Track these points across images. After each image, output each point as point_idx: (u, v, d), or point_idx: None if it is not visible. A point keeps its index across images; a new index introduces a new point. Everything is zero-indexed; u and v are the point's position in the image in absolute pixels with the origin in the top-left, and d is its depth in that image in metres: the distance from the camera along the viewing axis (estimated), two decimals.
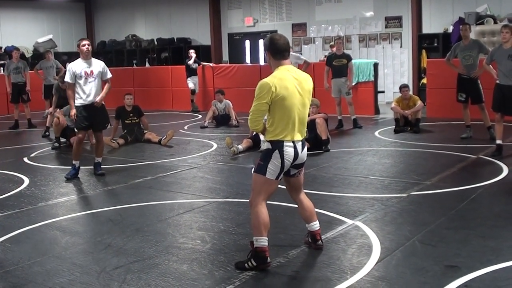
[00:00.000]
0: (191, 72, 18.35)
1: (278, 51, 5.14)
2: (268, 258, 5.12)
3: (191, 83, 18.23)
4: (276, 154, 5.11)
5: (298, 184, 5.52)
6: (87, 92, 8.91)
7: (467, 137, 11.44)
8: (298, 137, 5.17)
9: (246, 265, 5.13)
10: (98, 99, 9.02)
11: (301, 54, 20.04)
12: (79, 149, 9.22)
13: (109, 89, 9.27)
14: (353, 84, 14.52)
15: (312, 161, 9.89)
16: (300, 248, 5.59)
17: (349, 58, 13.71)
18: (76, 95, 8.95)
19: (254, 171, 5.32)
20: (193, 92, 18.36)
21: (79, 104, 8.94)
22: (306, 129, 5.34)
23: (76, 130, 9.17)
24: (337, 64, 13.52)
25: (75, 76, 8.86)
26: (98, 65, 9.10)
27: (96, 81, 8.98)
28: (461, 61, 11.37)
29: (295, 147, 5.15)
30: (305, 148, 5.29)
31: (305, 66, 12.70)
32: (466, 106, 11.47)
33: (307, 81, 5.24)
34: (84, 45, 8.91)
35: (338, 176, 8.77)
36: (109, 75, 9.25)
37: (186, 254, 5.59)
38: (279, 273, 5.02)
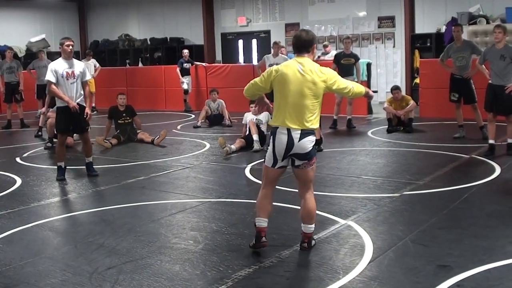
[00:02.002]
0: (184, 72, 18.35)
1: (294, 46, 5.55)
2: (263, 238, 5.45)
3: (184, 83, 18.24)
4: (271, 140, 5.40)
5: (303, 177, 5.52)
6: (68, 94, 8.80)
7: (460, 137, 11.47)
8: (295, 125, 5.29)
9: (250, 244, 5.56)
10: (86, 109, 9.00)
11: (294, 54, 20.12)
12: (62, 150, 9.14)
13: (89, 93, 9.25)
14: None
15: None
16: (293, 248, 5.59)
17: (357, 58, 13.70)
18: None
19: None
20: (186, 92, 18.36)
21: (60, 105, 8.88)
22: (311, 120, 5.41)
23: (56, 132, 9.08)
24: (345, 63, 13.46)
25: (57, 76, 8.77)
26: (79, 66, 9.01)
27: (77, 82, 8.88)
28: (454, 62, 11.40)
29: (289, 135, 5.28)
30: (308, 138, 5.34)
31: None
32: (459, 106, 11.49)
33: (313, 72, 5.37)
34: (68, 45, 8.81)
35: (331, 176, 8.78)
36: (88, 77, 9.19)
37: (178, 255, 5.59)
38: (272, 273, 5.02)
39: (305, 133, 5.33)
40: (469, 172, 8.89)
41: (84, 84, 9.07)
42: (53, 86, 8.79)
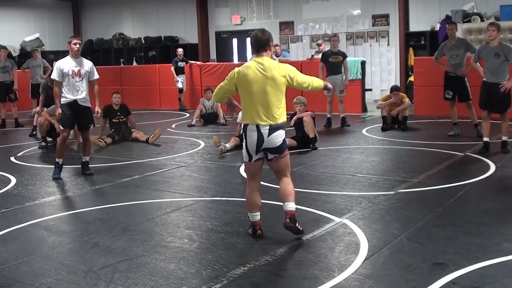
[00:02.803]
0: (178, 70, 18.35)
1: (253, 46, 5.82)
2: (259, 231, 5.86)
3: (179, 82, 18.23)
4: (244, 137, 5.77)
5: (276, 168, 5.89)
6: (73, 91, 8.85)
7: (455, 135, 11.49)
8: (263, 121, 5.64)
9: (248, 231, 5.97)
10: (96, 108, 9.18)
11: (289, 52, 20.15)
12: (63, 147, 9.16)
13: (98, 92, 9.29)
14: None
15: (300, 159, 9.91)
16: (288, 246, 5.59)
17: (344, 56, 13.71)
18: (62, 93, 8.89)
19: None
20: (180, 90, 18.36)
21: (64, 102, 8.88)
22: (278, 115, 5.73)
23: (61, 128, 9.11)
24: (333, 61, 13.47)
25: (62, 74, 8.80)
26: (86, 65, 9.04)
27: (83, 81, 8.93)
28: (448, 60, 11.42)
29: (258, 131, 5.63)
30: (277, 133, 5.68)
31: None
32: (453, 103, 11.51)
33: (272, 69, 5.68)
34: (75, 44, 8.86)
35: (326, 174, 8.78)
36: (96, 76, 9.21)
37: (173, 253, 5.58)
38: (267, 271, 5.02)
39: (273, 128, 5.65)
40: (464, 170, 8.91)
41: (93, 83, 9.14)
42: (56, 88, 8.83)
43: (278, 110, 5.69)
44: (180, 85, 18.26)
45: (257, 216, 5.87)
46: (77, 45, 8.88)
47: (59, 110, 8.88)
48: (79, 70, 8.87)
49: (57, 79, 8.82)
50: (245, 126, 5.72)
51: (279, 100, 5.71)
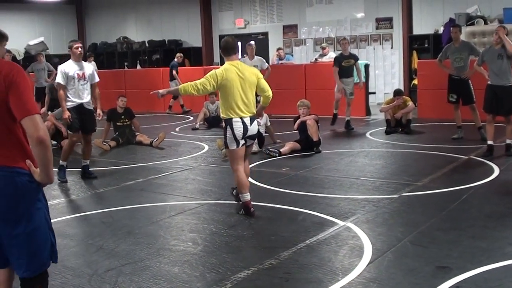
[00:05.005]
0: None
1: (225, 50, 6.90)
2: (252, 209, 6.76)
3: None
4: (228, 129, 6.73)
5: (248, 152, 7.10)
6: (79, 94, 8.89)
7: (458, 138, 11.47)
8: (245, 114, 6.74)
9: (239, 212, 6.86)
10: (98, 111, 9.25)
11: (292, 55, 20.15)
12: (71, 150, 9.21)
13: (99, 94, 9.38)
14: (355, 82, 14.25)
15: (304, 162, 9.92)
16: (292, 249, 5.59)
17: (356, 58, 13.73)
18: (68, 98, 8.91)
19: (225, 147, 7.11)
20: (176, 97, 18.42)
21: (70, 106, 8.91)
22: (254, 107, 6.92)
23: (70, 132, 9.12)
24: (345, 65, 13.46)
25: (67, 78, 8.82)
26: (88, 68, 9.10)
27: (88, 83, 8.98)
28: (452, 63, 11.40)
29: (243, 122, 6.72)
30: (255, 122, 6.86)
31: (267, 73, 12.72)
32: (457, 107, 11.50)
33: (246, 70, 6.88)
34: (77, 48, 8.90)
35: (330, 177, 8.78)
36: (97, 79, 9.26)
37: (177, 256, 5.59)
38: (271, 275, 5.02)
39: (252, 118, 6.81)
40: (468, 173, 8.89)
41: (93, 86, 9.18)
42: (61, 91, 8.85)
43: (253, 104, 6.87)
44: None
45: (248, 195, 6.80)
46: (79, 49, 8.93)
47: (68, 113, 8.86)
48: (83, 73, 8.92)
49: (62, 82, 8.83)
50: (230, 119, 6.71)
51: (253, 96, 6.88)
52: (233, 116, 6.71)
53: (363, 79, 15.22)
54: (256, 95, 7.01)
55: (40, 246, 3.50)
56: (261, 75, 7.06)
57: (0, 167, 3.30)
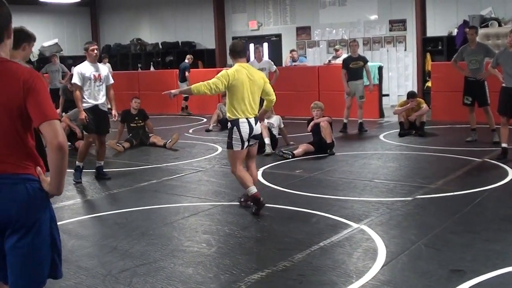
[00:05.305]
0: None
1: (234, 52, 7.07)
2: (261, 198, 6.86)
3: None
4: (234, 130, 6.84)
5: (253, 153, 7.26)
6: (95, 96, 8.95)
7: (472, 141, 11.42)
8: (250, 115, 6.88)
9: (252, 210, 6.90)
10: (113, 112, 9.44)
11: (305, 57, 20.14)
12: (87, 151, 9.27)
13: (114, 96, 9.53)
14: (364, 85, 14.20)
15: (317, 164, 9.92)
16: (305, 251, 5.60)
17: (365, 60, 13.65)
18: (83, 99, 8.96)
19: (226, 148, 7.18)
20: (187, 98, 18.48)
21: (86, 107, 8.95)
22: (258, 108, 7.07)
23: (86, 133, 9.17)
24: (353, 67, 13.40)
25: (83, 79, 8.88)
26: (104, 69, 9.18)
27: (103, 85, 9.05)
28: (467, 65, 11.33)
29: (249, 123, 6.86)
30: (258, 123, 7.00)
31: (275, 76, 12.67)
32: (472, 109, 11.43)
33: (255, 73, 7.04)
34: (93, 50, 8.97)
35: (343, 179, 8.78)
36: (112, 81, 9.34)
37: (191, 258, 5.61)
38: (284, 277, 5.03)
39: (256, 118, 6.96)
40: (482, 176, 8.86)
41: (108, 87, 9.26)
42: (77, 92, 8.91)
43: (258, 105, 7.04)
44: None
45: (254, 188, 6.89)
46: (95, 51, 9.01)
47: (84, 114, 8.90)
48: (99, 75, 8.98)
49: (78, 83, 8.90)
50: (236, 120, 6.83)
51: (259, 97, 7.04)
52: (239, 117, 6.84)
53: (374, 82, 14.98)
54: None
55: (40, 262, 3.25)
56: (267, 80, 7.27)
57: (11, 175, 3.15)
